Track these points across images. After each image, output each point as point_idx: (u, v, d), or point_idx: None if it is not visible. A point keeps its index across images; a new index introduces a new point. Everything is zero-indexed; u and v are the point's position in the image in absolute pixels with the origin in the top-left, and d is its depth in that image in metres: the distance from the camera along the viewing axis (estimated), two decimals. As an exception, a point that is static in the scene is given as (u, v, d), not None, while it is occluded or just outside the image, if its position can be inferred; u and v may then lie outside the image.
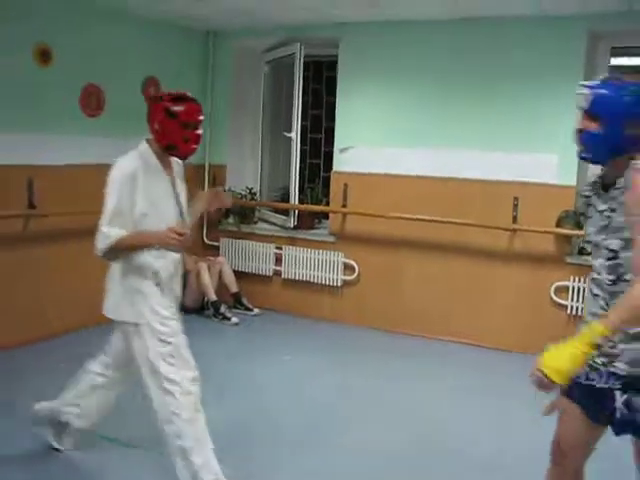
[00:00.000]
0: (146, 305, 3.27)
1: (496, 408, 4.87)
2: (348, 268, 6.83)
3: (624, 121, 2.32)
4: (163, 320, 3.28)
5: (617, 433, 2.47)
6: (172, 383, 3.22)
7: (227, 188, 7.47)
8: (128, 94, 6.47)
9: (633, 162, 2.32)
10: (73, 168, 5.96)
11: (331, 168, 7.02)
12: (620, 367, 2.37)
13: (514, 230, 6.06)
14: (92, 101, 6.13)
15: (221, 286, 7.02)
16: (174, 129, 3.20)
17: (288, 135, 6.97)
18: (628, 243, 2.29)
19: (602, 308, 2.40)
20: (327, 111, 7.44)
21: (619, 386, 2.37)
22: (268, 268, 7.22)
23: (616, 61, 6.09)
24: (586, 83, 2.43)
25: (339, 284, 6.86)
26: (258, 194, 7.58)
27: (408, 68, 6.43)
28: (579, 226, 5.90)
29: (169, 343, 3.26)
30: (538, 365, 2.19)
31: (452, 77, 6.25)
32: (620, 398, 2.37)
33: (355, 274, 6.78)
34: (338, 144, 6.87)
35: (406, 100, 6.51)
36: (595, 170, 6.18)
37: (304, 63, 6.94)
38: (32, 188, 5.67)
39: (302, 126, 7.08)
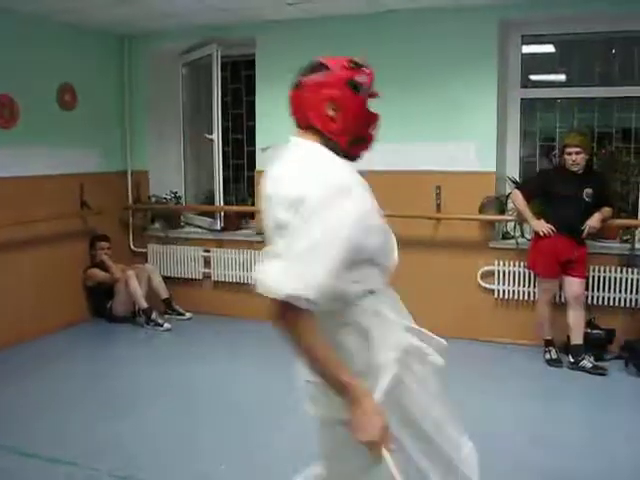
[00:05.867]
0: None
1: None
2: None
3: None
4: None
5: None
6: None
7: (150, 194, 7.39)
8: (43, 103, 6.33)
9: None
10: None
11: (255, 167, 7.01)
12: None
13: (438, 219, 6.16)
14: (4, 112, 5.96)
15: (151, 293, 6.93)
16: (362, 110, 2.14)
17: (209, 137, 6.93)
18: None
19: None
20: (247, 110, 7.42)
21: None
22: (198, 271, 7.17)
23: (527, 49, 6.25)
24: None
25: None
26: (183, 198, 7.51)
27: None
28: (501, 211, 6.06)
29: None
30: None
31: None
32: None
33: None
34: (260, 143, 6.86)
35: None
36: (512, 156, 6.36)
37: (222, 63, 6.90)
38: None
39: (223, 127, 7.04)
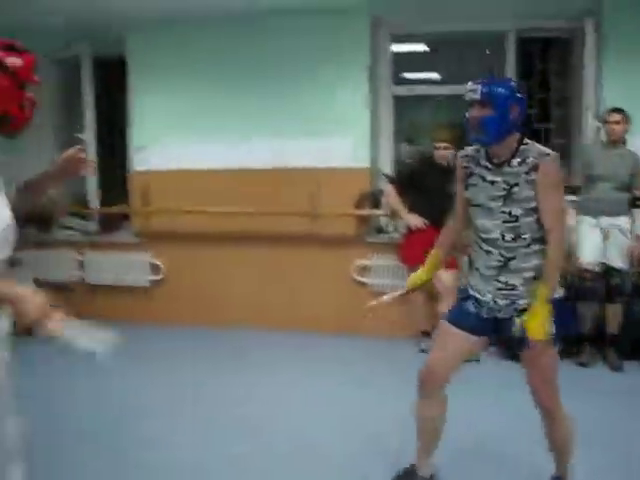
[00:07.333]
0: None
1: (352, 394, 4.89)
2: (155, 268, 6.71)
3: (509, 105, 2.78)
4: None
5: (518, 350, 3.03)
6: None
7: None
8: None
9: (543, 152, 2.80)
10: None
11: (126, 168, 6.89)
12: (521, 303, 2.92)
13: (315, 215, 6.18)
14: None
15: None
16: (9, 90, 2.27)
17: (80, 136, 6.73)
18: (529, 212, 2.81)
19: (499, 261, 2.92)
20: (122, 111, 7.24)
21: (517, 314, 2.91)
22: (71, 275, 6.92)
23: (396, 48, 6.37)
24: (474, 82, 2.83)
25: (147, 285, 6.74)
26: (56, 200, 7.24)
27: (202, 62, 6.42)
28: (376, 206, 6.15)
29: None
30: (534, 336, 2.78)
31: (246, 69, 6.32)
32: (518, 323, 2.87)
33: (162, 273, 6.68)
34: (135, 143, 6.72)
35: (202, 94, 6.49)
36: (386, 152, 6.41)
37: (93, 62, 6.77)
38: None
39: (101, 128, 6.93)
